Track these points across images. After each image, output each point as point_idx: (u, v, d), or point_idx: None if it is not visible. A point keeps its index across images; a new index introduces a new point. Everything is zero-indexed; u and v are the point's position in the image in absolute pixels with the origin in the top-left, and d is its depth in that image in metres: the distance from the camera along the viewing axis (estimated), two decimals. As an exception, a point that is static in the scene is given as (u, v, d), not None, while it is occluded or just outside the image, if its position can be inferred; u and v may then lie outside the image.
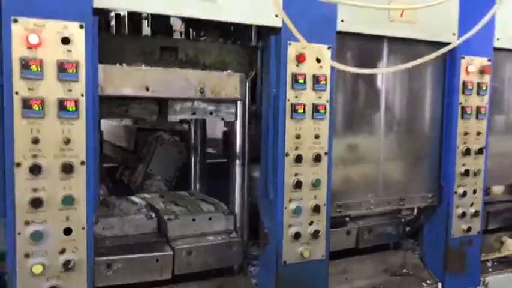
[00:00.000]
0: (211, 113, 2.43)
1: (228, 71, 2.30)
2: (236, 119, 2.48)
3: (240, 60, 2.40)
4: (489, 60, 2.71)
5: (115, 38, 2.03)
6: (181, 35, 2.79)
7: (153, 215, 2.46)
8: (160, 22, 2.43)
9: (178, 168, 3.27)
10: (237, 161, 2.56)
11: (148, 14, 2.44)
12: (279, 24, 2.12)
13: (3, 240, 1.76)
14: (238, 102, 2.44)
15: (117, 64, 2.06)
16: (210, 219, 2.47)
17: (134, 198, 2.73)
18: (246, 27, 2.33)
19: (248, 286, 2.46)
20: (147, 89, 2.15)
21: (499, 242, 3.34)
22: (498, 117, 3.05)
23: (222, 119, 2.50)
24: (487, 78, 2.72)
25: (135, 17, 2.61)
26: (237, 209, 2.56)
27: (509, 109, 3.11)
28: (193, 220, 2.44)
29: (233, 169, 2.58)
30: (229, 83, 2.31)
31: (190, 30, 2.75)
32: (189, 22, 2.57)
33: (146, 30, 2.68)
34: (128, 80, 2.08)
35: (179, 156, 3.26)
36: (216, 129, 3.27)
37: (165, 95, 2.22)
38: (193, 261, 2.32)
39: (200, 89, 2.26)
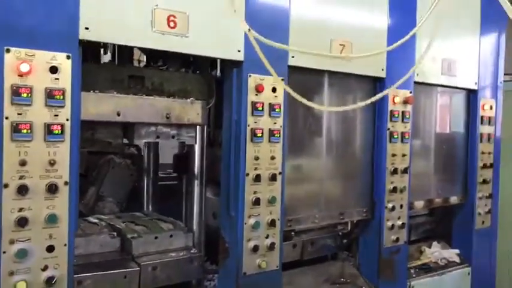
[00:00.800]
0: (173, 137, 2.65)
1: (191, 98, 2.52)
2: (196, 142, 2.69)
3: (201, 89, 2.61)
4: (411, 92, 3.16)
5: (89, 67, 2.16)
6: (139, 63, 2.96)
7: (115, 234, 2.58)
8: (125, 52, 2.59)
9: (129, 190, 3.37)
10: (196, 182, 2.74)
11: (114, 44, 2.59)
12: (241, 58, 2.38)
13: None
14: (198, 126, 2.66)
15: (91, 91, 2.21)
16: (171, 236, 2.62)
17: (91, 219, 2.80)
18: (206, 59, 2.57)
19: (208, 299, 2.64)
20: (118, 114, 2.31)
21: (418, 251, 3.79)
22: (415, 141, 3.51)
23: (183, 142, 2.70)
24: (409, 108, 3.16)
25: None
26: (195, 227, 2.74)
27: (424, 134, 3.59)
28: (156, 238, 2.58)
29: (191, 189, 2.76)
30: (192, 110, 2.54)
31: (147, 59, 2.93)
32: (151, 52, 2.75)
33: (106, 58, 2.82)
34: (101, 106, 2.24)
35: (130, 178, 3.36)
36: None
37: (135, 119, 2.40)
38: (158, 276, 2.46)
39: (166, 114, 2.46)
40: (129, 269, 2.37)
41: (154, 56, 2.77)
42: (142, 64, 2.96)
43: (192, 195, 2.77)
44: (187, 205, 2.84)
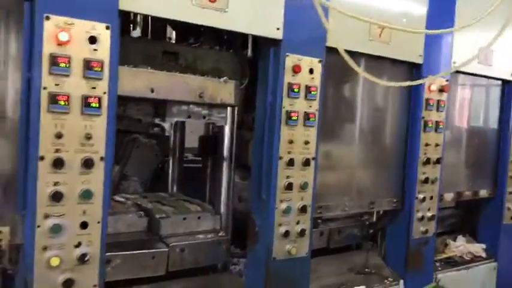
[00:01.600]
0: (204, 117, 2.57)
1: (225, 77, 2.45)
2: (226, 123, 2.63)
3: (234, 68, 2.54)
4: (447, 81, 3.06)
5: (123, 40, 2.09)
6: (169, 40, 2.88)
7: (142, 213, 2.53)
8: (158, 28, 2.52)
9: (153, 170, 3.33)
10: (225, 164, 2.69)
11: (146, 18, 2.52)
12: (280, 37, 2.31)
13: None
14: (228, 108, 2.59)
15: (125, 65, 2.14)
16: (199, 218, 2.58)
17: (118, 198, 2.76)
18: (243, 36, 2.49)
19: (235, 283, 2.59)
20: (152, 91, 2.25)
21: (443, 244, 3.72)
22: (447, 132, 3.42)
23: (211, 123, 2.64)
24: (444, 96, 3.07)
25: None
26: (222, 209, 2.69)
27: (457, 125, 3.50)
28: (184, 219, 2.53)
29: (219, 172, 2.71)
30: (225, 90, 2.47)
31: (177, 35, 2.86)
32: (183, 29, 2.68)
33: (135, 34, 2.76)
34: (136, 81, 2.18)
35: (155, 159, 3.32)
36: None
37: (168, 97, 2.33)
38: (185, 258, 2.42)
39: (200, 93, 2.39)
40: (158, 250, 2.33)
41: (185, 32, 2.69)
42: (172, 41, 2.89)
43: (221, 178, 2.72)
44: (214, 187, 2.79)
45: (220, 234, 2.58)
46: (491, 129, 3.71)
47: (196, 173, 3.14)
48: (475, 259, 3.65)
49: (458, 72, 3.13)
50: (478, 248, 3.72)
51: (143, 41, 2.32)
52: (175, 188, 3.16)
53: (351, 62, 2.23)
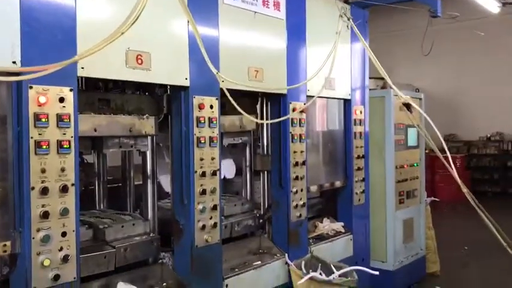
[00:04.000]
0: (131, 146, 3.33)
1: (146, 115, 3.24)
2: (148, 149, 3.41)
3: (152, 107, 3.34)
4: (304, 104, 4.16)
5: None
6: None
7: (87, 226, 3.20)
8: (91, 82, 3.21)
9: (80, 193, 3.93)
10: (149, 181, 3.46)
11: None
12: (188, 84, 3.17)
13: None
14: (149, 137, 3.38)
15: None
16: (133, 224, 3.31)
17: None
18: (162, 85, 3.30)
19: (166, 270, 3.37)
20: (95, 130, 2.98)
21: (314, 226, 4.83)
22: (308, 140, 4.54)
23: (139, 150, 3.40)
24: (304, 116, 4.17)
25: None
26: (150, 216, 3.45)
27: (314, 135, 4.64)
28: (122, 226, 3.25)
29: (146, 187, 3.47)
30: (148, 124, 3.26)
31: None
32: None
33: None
34: (85, 124, 2.88)
35: (80, 183, 3.93)
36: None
37: (107, 134, 3.07)
38: (128, 256, 3.14)
39: (129, 128, 3.16)
40: (108, 251, 3.03)
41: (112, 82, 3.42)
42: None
43: (146, 192, 3.48)
44: (140, 200, 3.53)
45: (151, 235, 3.35)
46: (341, 135, 4.91)
47: (119, 191, 3.84)
48: (337, 234, 4.77)
49: (311, 96, 4.25)
50: (339, 226, 4.86)
51: (85, 93, 3.01)
52: (102, 206, 3.82)
53: (233, 101, 3.16)
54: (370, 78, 5.29)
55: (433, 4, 5.12)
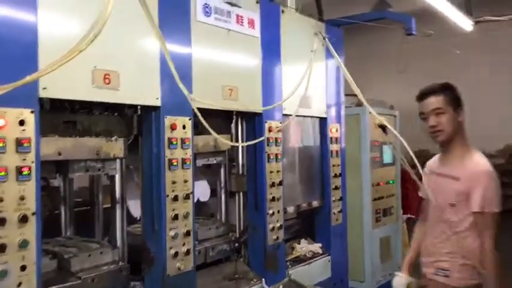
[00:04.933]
0: (99, 169, 3.15)
1: (115, 137, 3.07)
2: (117, 172, 3.23)
3: (121, 128, 3.18)
4: (281, 123, 4.06)
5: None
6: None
7: (51, 256, 2.99)
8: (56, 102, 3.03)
9: (45, 219, 3.71)
10: (118, 206, 3.27)
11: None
12: (159, 104, 3.03)
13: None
14: (118, 160, 3.21)
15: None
16: (101, 253, 3.12)
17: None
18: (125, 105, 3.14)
19: (136, 300, 3.18)
20: (59, 154, 2.79)
21: (291, 247, 4.70)
22: (284, 160, 4.43)
23: (107, 173, 3.22)
24: (280, 135, 4.06)
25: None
26: (119, 243, 3.26)
27: (290, 154, 4.53)
28: (89, 255, 3.05)
29: (114, 212, 3.28)
30: (116, 146, 3.09)
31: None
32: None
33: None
34: (47, 148, 2.70)
35: (44, 209, 3.71)
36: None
37: (72, 157, 2.88)
38: (95, 287, 2.95)
39: (96, 151, 2.98)
40: (74, 282, 2.83)
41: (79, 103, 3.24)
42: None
43: (115, 218, 3.29)
44: (109, 226, 3.34)
45: (120, 263, 3.15)
46: (317, 153, 4.82)
47: (88, 215, 3.64)
48: (315, 255, 4.65)
49: (288, 115, 4.15)
50: (316, 247, 4.73)
51: (49, 114, 2.83)
52: (69, 232, 3.61)
53: (207, 125, 3.03)
54: (345, 95, 5.24)
55: (407, 22, 5.13)
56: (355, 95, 5.42)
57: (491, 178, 3.03)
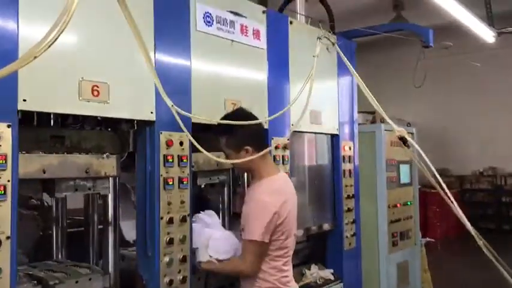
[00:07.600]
0: (89, 189, 2.92)
1: (107, 153, 2.85)
2: (109, 192, 3.00)
3: (114, 144, 2.96)
4: (288, 140, 3.81)
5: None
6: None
7: (36, 282, 2.76)
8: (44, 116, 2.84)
9: (37, 240, 3.50)
10: (110, 228, 3.04)
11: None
12: (154, 118, 2.81)
13: None
14: (111, 178, 2.98)
15: (20, 152, 2.45)
16: (90, 279, 2.88)
17: (6, 272, 2.93)
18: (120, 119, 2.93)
19: (128, 332, 2.92)
20: (44, 172, 2.57)
21: (300, 273, 4.41)
22: (293, 179, 4.16)
23: (99, 193, 2.99)
24: (287, 152, 3.81)
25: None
26: (110, 269, 3.02)
27: (300, 173, 4.27)
28: (77, 282, 2.81)
29: (106, 235, 3.04)
30: (108, 164, 2.86)
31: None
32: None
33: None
34: (30, 165, 2.48)
35: (37, 229, 3.50)
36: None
37: (58, 176, 2.66)
38: (82, 317, 2.71)
39: (86, 169, 2.76)
40: (58, 313, 2.59)
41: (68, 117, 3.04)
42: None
43: (107, 241, 3.05)
44: (103, 249, 3.10)
45: (111, 291, 2.91)
46: (328, 173, 4.55)
47: (81, 237, 3.41)
48: (326, 282, 4.37)
49: (296, 131, 3.90)
50: (328, 273, 4.44)
51: (33, 129, 2.63)
52: (60, 255, 3.38)
53: (202, 149, 2.79)
54: (359, 112, 4.98)
55: (425, 34, 4.87)
56: (369, 112, 5.16)
57: None
